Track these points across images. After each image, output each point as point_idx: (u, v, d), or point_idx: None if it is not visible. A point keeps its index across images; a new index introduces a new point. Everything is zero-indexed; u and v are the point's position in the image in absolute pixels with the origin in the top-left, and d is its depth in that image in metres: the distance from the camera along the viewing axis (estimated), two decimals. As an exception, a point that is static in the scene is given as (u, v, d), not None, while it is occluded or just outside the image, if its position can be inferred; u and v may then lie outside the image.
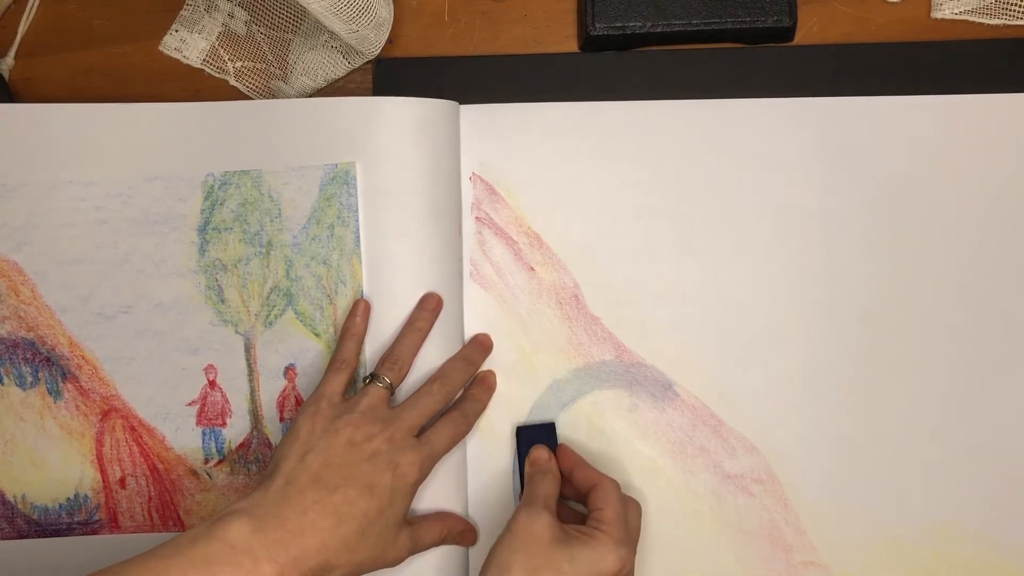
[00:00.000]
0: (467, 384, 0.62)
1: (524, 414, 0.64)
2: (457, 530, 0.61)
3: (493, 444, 0.63)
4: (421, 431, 0.58)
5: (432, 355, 0.61)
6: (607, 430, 0.63)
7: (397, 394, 0.60)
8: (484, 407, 0.62)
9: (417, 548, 0.57)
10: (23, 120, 0.63)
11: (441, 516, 0.60)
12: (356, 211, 0.61)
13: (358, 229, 0.61)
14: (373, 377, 0.58)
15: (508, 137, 0.65)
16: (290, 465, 0.54)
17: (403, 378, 0.59)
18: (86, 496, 0.63)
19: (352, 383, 0.60)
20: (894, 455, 0.63)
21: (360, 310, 0.61)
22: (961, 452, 0.62)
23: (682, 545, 0.63)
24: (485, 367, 0.64)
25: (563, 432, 0.63)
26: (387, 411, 0.57)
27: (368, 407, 0.56)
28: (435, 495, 0.61)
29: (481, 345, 0.63)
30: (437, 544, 0.59)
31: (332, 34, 0.65)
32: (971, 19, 0.65)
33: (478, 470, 0.63)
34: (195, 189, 0.63)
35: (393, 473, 0.54)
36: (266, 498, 0.52)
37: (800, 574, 0.62)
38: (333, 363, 0.59)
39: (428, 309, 0.61)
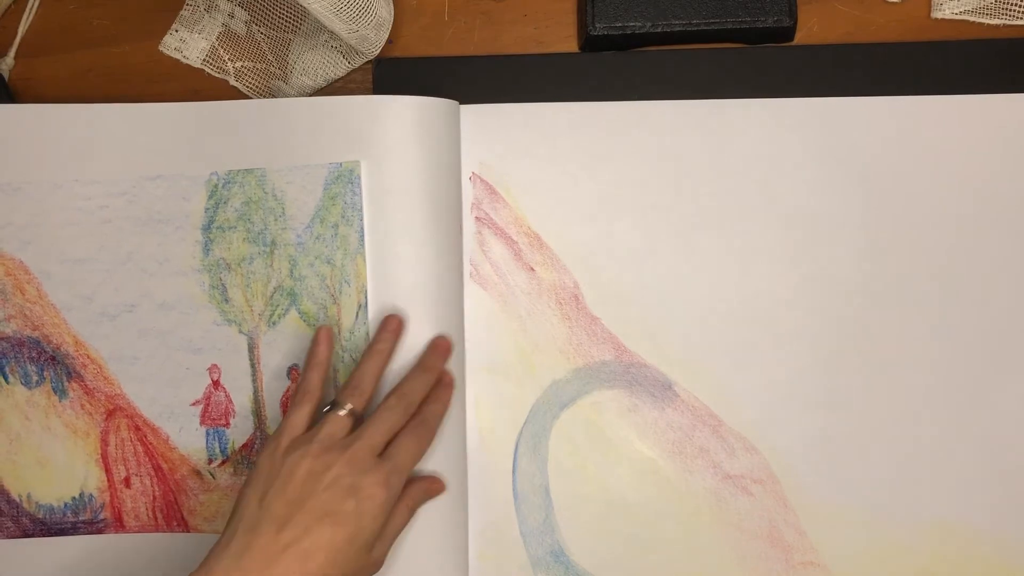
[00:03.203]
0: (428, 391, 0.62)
1: (524, 414, 0.65)
2: (423, 493, 0.61)
3: (493, 444, 0.65)
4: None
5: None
6: (607, 430, 0.65)
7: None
8: (445, 406, 0.62)
9: (393, 541, 0.58)
10: (26, 120, 0.65)
11: (401, 498, 0.59)
12: (360, 210, 0.62)
13: (362, 228, 0.63)
14: (334, 405, 0.58)
15: (508, 137, 0.66)
16: (250, 510, 0.54)
17: (367, 403, 0.59)
18: (91, 495, 0.65)
19: (319, 413, 0.59)
20: (894, 455, 0.64)
21: (322, 338, 0.61)
22: (961, 452, 0.64)
23: (682, 545, 0.64)
24: (483, 367, 0.65)
25: (563, 432, 0.65)
26: (347, 438, 0.57)
27: (327, 435, 0.56)
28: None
29: (438, 349, 0.63)
30: (410, 518, 0.59)
31: (332, 34, 0.67)
32: (971, 19, 0.66)
33: (478, 470, 0.65)
34: (199, 188, 0.64)
35: (356, 498, 0.54)
36: (227, 552, 0.52)
37: (800, 574, 0.64)
38: (295, 395, 0.59)
39: (390, 331, 0.61)
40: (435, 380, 0.62)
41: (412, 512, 0.60)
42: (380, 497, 0.55)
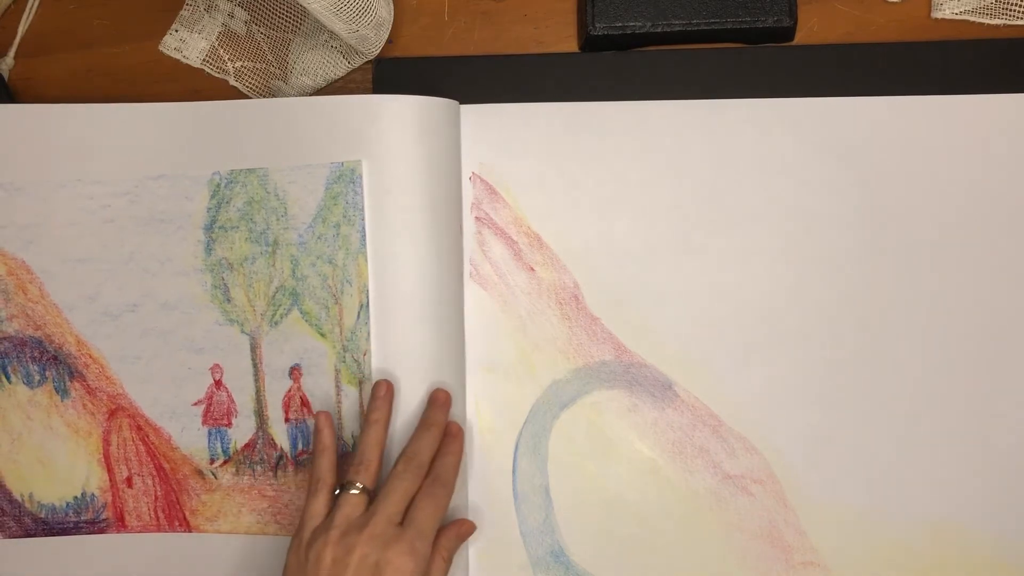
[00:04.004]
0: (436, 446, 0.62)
1: (524, 414, 0.66)
2: (454, 539, 0.61)
3: (493, 444, 0.66)
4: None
5: (433, 358, 0.64)
6: (607, 430, 0.66)
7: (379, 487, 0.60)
8: (458, 457, 0.62)
9: None
10: (26, 120, 0.65)
11: (436, 550, 0.60)
12: (362, 210, 0.63)
13: (363, 228, 0.63)
14: (345, 487, 0.58)
15: (508, 137, 0.67)
16: None
17: (376, 477, 0.59)
18: (93, 495, 0.66)
19: (334, 497, 0.59)
20: (894, 455, 0.65)
21: (323, 423, 0.61)
22: (961, 452, 0.64)
23: (682, 545, 0.65)
24: (483, 367, 0.66)
25: (563, 433, 0.66)
26: (364, 515, 0.57)
27: (344, 518, 0.57)
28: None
29: (439, 403, 0.63)
30: (447, 570, 0.60)
31: (332, 34, 0.67)
32: (971, 19, 0.67)
33: (478, 470, 0.66)
34: (201, 187, 0.65)
35: (383, 574, 0.55)
36: None
37: (800, 574, 0.64)
38: (310, 485, 0.59)
39: (380, 397, 0.62)
40: (441, 434, 0.62)
41: (449, 562, 0.60)
42: (408, 567, 0.56)
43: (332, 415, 0.63)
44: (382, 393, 0.62)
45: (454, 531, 0.62)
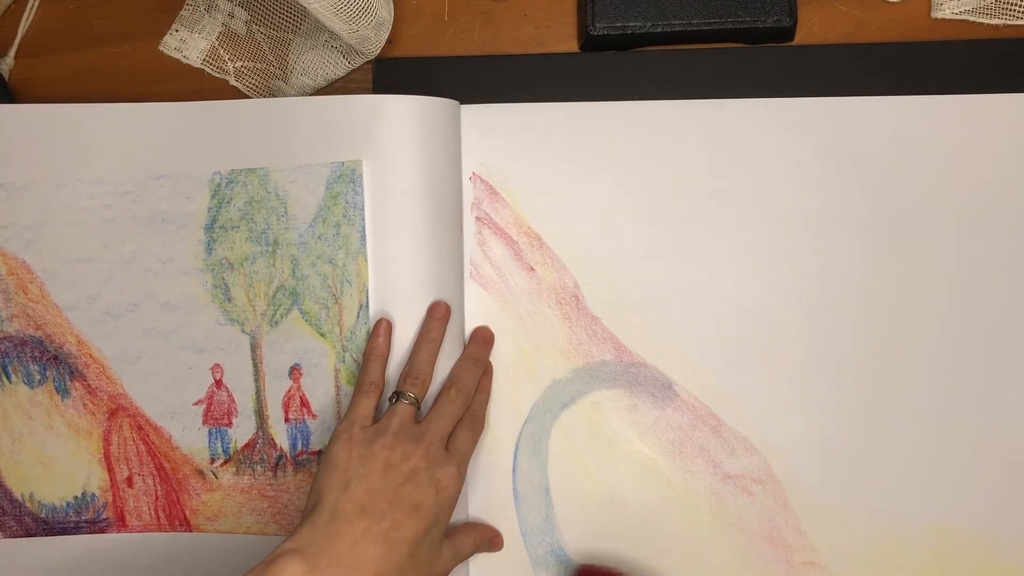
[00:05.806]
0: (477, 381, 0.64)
1: (524, 414, 0.66)
2: (487, 538, 0.64)
3: (493, 444, 0.66)
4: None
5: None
6: (607, 430, 0.66)
7: (421, 407, 0.62)
8: (488, 396, 0.66)
9: (458, 560, 0.60)
10: (26, 120, 0.66)
11: (471, 526, 0.64)
12: (362, 210, 0.63)
13: (364, 228, 0.64)
14: (399, 395, 0.60)
15: (508, 137, 0.67)
16: (333, 497, 0.56)
17: (427, 391, 0.62)
18: (93, 495, 0.66)
19: (383, 403, 0.62)
20: (894, 455, 0.65)
21: (382, 330, 0.63)
22: (960, 452, 0.65)
23: (682, 545, 0.65)
24: None
25: (563, 432, 0.66)
26: (417, 427, 0.59)
27: (400, 426, 0.59)
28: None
29: (484, 340, 0.66)
30: (473, 554, 0.62)
31: (332, 34, 0.67)
32: (971, 19, 0.67)
33: (478, 470, 0.66)
34: (202, 187, 0.65)
35: (436, 489, 0.57)
36: (315, 533, 0.54)
37: (800, 574, 0.64)
38: (360, 386, 0.61)
39: (437, 318, 0.63)
40: (483, 369, 0.65)
41: (477, 551, 0.63)
42: (454, 489, 0.58)
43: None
44: (440, 314, 0.63)
45: (492, 533, 0.65)
